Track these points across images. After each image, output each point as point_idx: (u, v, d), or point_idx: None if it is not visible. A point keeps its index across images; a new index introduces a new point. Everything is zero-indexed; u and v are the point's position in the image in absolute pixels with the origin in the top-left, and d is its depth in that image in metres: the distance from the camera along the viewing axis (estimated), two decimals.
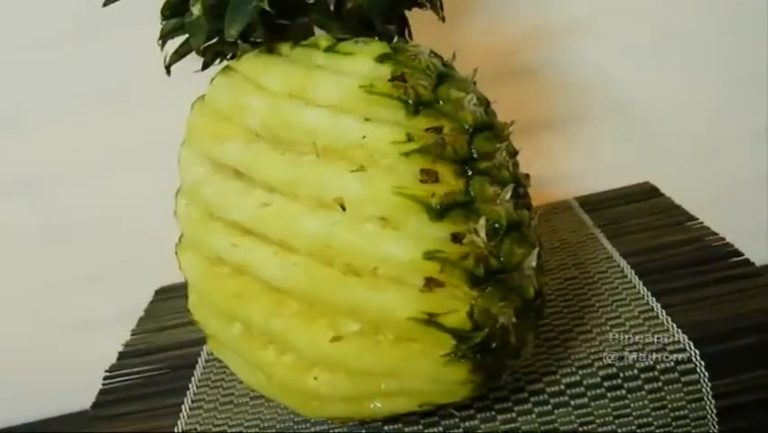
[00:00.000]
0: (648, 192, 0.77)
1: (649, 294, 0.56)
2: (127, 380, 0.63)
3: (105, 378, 0.64)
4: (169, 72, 0.51)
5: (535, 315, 0.46)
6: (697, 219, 0.67)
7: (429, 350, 0.42)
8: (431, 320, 0.41)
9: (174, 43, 0.51)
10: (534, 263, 0.45)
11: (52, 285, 0.86)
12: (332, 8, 0.44)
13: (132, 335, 0.71)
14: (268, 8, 0.44)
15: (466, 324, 0.42)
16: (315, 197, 0.43)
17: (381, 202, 0.42)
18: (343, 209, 0.42)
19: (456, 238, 0.42)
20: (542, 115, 0.81)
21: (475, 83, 0.49)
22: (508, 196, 0.44)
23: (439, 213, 0.42)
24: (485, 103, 0.48)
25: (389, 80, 0.44)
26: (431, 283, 0.41)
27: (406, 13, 0.53)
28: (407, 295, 0.42)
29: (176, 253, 0.51)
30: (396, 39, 0.49)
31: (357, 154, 0.43)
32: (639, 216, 0.71)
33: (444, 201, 0.42)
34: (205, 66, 0.52)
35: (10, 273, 0.86)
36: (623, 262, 0.62)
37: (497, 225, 0.43)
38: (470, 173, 0.44)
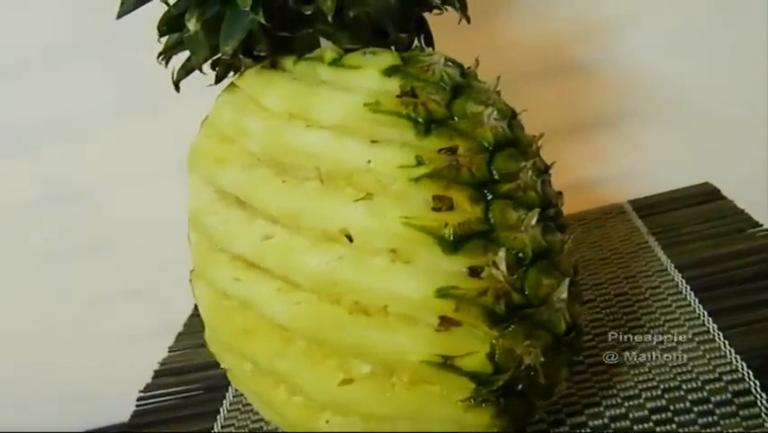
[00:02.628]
0: (708, 194, 0.73)
1: (705, 313, 0.53)
2: (161, 401, 0.62)
3: (138, 399, 0.62)
4: (177, 88, 0.48)
5: (569, 349, 0.43)
6: (761, 225, 0.63)
7: (447, 393, 0.39)
8: (447, 363, 0.39)
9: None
10: (564, 295, 0.41)
11: (97, 297, 0.85)
12: (330, 19, 0.40)
13: (169, 351, 0.70)
14: (264, 21, 0.40)
15: (486, 366, 0.39)
16: (318, 228, 0.40)
17: (390, 234, 0.39)
18: (350, 241, 0.39)
19: (473, 272, 0.39)
20: (594, 113, 0.78)
21: (499, 93, 0.45)
22: (534, 220, 0.41)
23: (453, 244, 0.38)
24: (509, 115, 0.44)
25: (398, 96, 0.41)
26: (446, 322, 0.38)
27: (427, 16, 0.49)
28: (420, 336, 0.39)
29: (190, 282, 0.49)
30: (415, 45, 0.45)
31: (363, 180, 0.40)
32: (697, 221, 0.68)
33: (459, 231, 0.39)
34: (218, 80, 0.49)
35: (54, 286, 0.85)
36: (677, 276, 0.58)
37: (521, 255, 0.40)
38: (489, 197, 0.40)
